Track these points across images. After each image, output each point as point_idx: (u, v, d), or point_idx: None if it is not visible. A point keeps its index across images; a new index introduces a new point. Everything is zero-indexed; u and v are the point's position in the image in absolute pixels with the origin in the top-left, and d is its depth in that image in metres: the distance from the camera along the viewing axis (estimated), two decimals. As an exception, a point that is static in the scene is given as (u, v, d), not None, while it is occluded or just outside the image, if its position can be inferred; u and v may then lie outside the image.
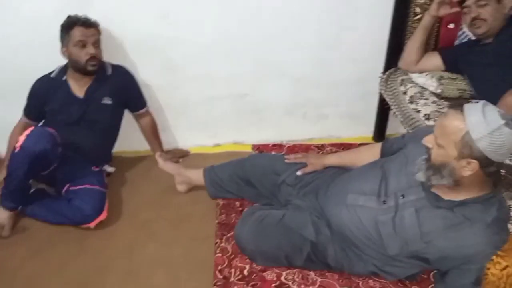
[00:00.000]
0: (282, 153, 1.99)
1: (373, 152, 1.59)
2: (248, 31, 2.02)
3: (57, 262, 1.66)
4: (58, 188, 1.89)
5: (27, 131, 1.70)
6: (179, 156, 2.27)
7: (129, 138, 2.20)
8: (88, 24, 1.81)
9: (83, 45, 1.81)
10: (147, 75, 2.12)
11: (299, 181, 1.63)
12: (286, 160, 1.71)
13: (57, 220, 1.80)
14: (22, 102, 1.96)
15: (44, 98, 1.92)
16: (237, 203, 1.85)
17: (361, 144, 2.18)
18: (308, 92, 2.23)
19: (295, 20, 2.01)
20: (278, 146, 2.28)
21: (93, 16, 1.84)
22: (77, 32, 1.80)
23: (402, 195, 1.31)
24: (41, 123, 1.98)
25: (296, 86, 2.21)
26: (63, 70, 1.93)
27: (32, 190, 1.87)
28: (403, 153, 1.40)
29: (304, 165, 1.66)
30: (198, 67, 2.11)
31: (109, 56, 1.96)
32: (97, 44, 1.86)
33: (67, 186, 1.84)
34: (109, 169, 2.09)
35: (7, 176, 1.73)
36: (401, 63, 2.02)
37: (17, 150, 1.66)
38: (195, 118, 2.29)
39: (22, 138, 1.67)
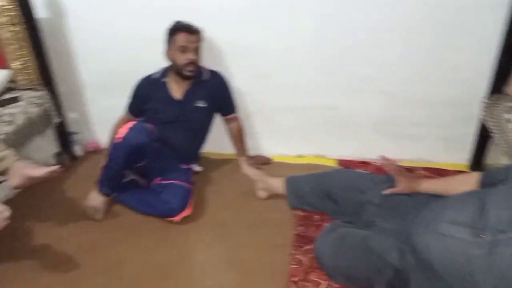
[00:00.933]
0: (369, 171, 1.93)
1: (469, 182, 1.47)
2: (343, 43, 2.01)
3: (141, 248, 1.77)
4: (149, 180, 2.01)
5: (129, 124, 1.83)
6: (262, 162, 2.30)
7: (217, 141, 2.28)
8: (191, 31, 1.91)
9: (184, 50, 1.91)
10: (240, 81, 2.19)
11: (385, 202, 1.56)
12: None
13: (145, 210, 1.92)
14: (125, 97, 2.12)
15: (146, 97, 2.06)
16: (317, 217, 1.83)
17: (456, 172, 2.04)
18: (401, 110, 2.15)
19: (395, 35, 1.96)
20: (365, 164, 2.21)
21: (194, 21, 1.93)
22: (181, 38, 1.90)
23: (503, 231, 1.20)
24: (141, 119, 2.13)
25: (389, 103, 2.14)
26: (165, 72, 2.06)
27: (126, 180, 2.00)
28: (508, 186, 1.29)
29: (392, 185, 1.60)
30: (289, 76, 2.13)
31: (207, 61, 2.06)
32: (197, 50, 1.95)
33: (157, 179, 1.96)
34: (197, 168, 2.18)
35: (106, 164, 1.88)
36: (509, 89, 1.86)
37: (118, 141, 1.80)
38: (281, 126, 2.31)
39: (123, 131, 1.80)
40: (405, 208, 1.51)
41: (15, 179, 1.60)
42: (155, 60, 2.02)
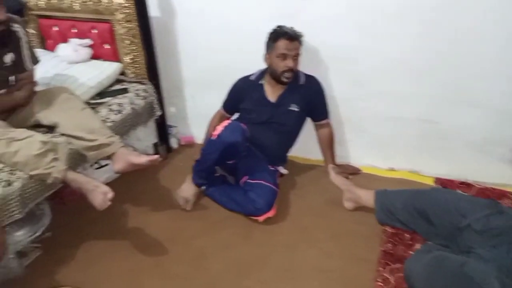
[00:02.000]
0: (470, 194, 1.78)
1: None
2: (449, 52, 1.88)
3: (224, 243, 1.81)
4: (237, 178, 2.05)
5: (225, 123, 1.89)
6: (350, 172, 2.24)
7: (304, 145, 2.26)
8: (292, 38, 1.90)
9: (284, 57, 1.92)
10: (334, 87, 2.16)
11: (488, 230, 1.42)
12: None
13: (231, 206, 1.97)
14: (221, 96, 2.20)
15: (242, 96, 2.12)
16: (407, 235, 1.73)
17: None
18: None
19: (509, 44, 1.78)
20: (466, 185, 2.04)
21: (294, 26, 1.93)
22: (282, 45, 1.91)
23: None
24: (233, 117, 2.19)
25: (499, 121, 1.95)
26: (262, 74, 2.09)
27: (216, 175, 2.07)
28: None
29: (497, 216, 1.46)
30: (387, 84, 2.05)
31: (304, 65, 2.05)
32: (296, 57, 1.95)
33: (245, 178, 1.99)
34: (283, 170, 2.18)
35: (200, 158, 1.96)
36: None
37: (214, 137, 1.87)
38: (373, 136, 2.23)
39: (220, 128, 1.87)
40: (509, 239, 1.37)
41: (119, 164, 1.74)
42: (252, 62, 2.07)
